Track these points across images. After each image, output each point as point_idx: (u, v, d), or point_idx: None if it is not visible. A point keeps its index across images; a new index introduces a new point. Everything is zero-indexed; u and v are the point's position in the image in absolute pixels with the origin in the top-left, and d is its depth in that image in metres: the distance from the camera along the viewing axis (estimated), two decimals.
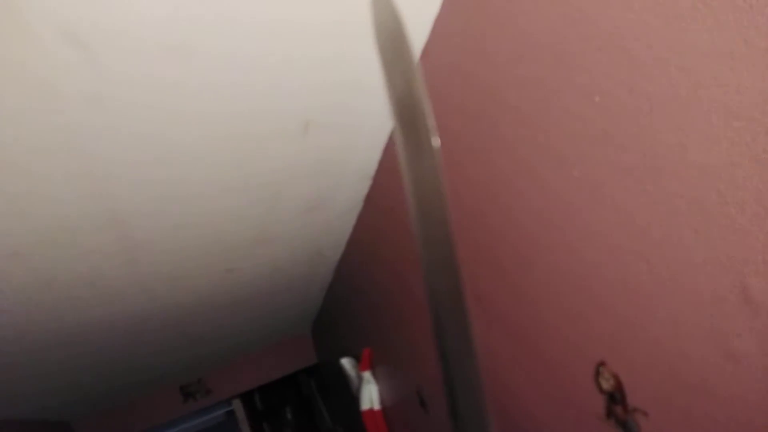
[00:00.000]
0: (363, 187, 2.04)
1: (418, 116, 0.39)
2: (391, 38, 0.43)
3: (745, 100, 0.69)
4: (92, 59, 0.95)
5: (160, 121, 1.19)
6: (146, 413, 4.13)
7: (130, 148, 1.22)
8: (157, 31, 0.96)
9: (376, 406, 2.94)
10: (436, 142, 0.39)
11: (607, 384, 1.10)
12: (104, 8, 0.87)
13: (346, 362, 3.26)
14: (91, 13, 0.87)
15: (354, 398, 3.23)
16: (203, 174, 1.44)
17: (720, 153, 0.74)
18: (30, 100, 0.98)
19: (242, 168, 1.49)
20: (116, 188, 1.33)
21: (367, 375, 2.98)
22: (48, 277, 1.61)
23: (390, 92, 0.42)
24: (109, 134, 1.14)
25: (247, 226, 1.89)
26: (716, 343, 0.84)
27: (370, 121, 1.55)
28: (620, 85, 0.86)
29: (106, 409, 3.96)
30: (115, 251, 1.64)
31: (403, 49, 0.42)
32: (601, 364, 1.10)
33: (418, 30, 1.28)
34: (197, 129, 1.27)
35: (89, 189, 1.29)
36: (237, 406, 4.99)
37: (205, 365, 4.22)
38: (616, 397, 1.08)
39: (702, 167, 0.77)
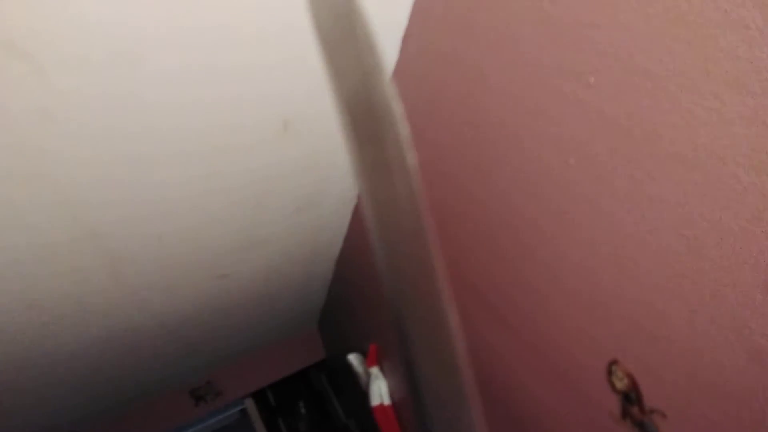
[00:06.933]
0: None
1: (383, 123, 0.26)
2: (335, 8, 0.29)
3: (760, 73, 0.60)
4: (38, 70, 0.87)
5: (122, 130, 1.11)
6: (158, 419, 4.10)
7: (91, 162, 1.14)
8: (105, 40, 0.87)
9: (387, 402, 2.88)
10: (411, 158, 0.27)
11: (621, 383, 1.02)
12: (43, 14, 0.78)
13: (353, 358, 3.20)
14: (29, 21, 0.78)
15: (364, 393, 3.17)
16: (179, 182, 1.36)
17: (734, 136, 0.65)
18: None
19: (220, 173, 1.40)
20: (86, 204, 1.25)
21: (375, 371, 2.91)
22: (28, 298, 1.54)
23: (337, 92, 0.30)
24: (68, 151, 1.06)
25: (234, 230, 1.80)
26: (739, 342, 0.76)
27: None
28: (618, 63, 0.77)
29: (117, 416, 3.92)
30: (97, 266, 1.57)
31: (355, 25, 0.28)
32: (614, 362, 1.02)
33: (398, 11, 1.18)
34: (168, 134, 1.19)
35: (57, 207, 1.21)
36: (249, 404, 4.95)
37: (213, 367, 4.18)
38: (631, 398, 1.00)
39: (713, 151, 0.68)
